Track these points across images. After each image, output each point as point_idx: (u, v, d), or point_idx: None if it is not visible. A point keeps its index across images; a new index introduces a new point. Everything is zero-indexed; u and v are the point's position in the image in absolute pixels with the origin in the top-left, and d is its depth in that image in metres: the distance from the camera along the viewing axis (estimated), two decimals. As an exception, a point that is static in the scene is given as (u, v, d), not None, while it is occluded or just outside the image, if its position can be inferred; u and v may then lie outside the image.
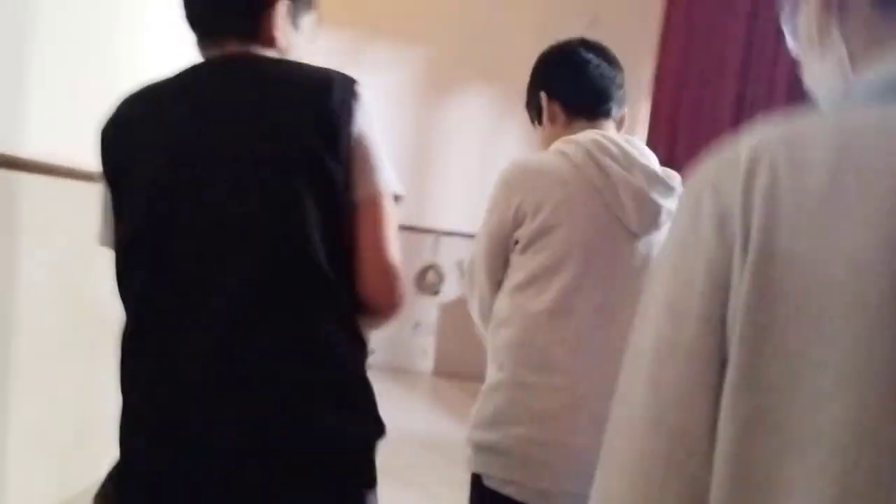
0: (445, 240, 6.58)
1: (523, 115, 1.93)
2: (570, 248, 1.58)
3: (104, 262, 3.62)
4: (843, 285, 0.58)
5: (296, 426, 1.16)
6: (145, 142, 1.23)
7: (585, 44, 1.79)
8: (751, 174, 0.63)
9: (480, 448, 1.61)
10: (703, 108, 5.00)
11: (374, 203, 1.23)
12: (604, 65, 1.76)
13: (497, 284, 1.70)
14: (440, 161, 6.88)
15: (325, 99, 1.19)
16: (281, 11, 1.26)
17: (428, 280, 6.64)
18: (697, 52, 4.64)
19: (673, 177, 1.65)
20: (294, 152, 1.17)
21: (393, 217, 1.26)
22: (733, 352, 0.62)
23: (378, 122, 1.24)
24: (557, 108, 1.78)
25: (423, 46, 6.67)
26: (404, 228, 5.54)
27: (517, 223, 1.63)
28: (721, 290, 0.63)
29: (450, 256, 6.55)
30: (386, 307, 1.26)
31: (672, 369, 0.65)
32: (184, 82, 1.26)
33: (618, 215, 1.61)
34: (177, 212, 1.19)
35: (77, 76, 2.97)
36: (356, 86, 1.23)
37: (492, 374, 1.66)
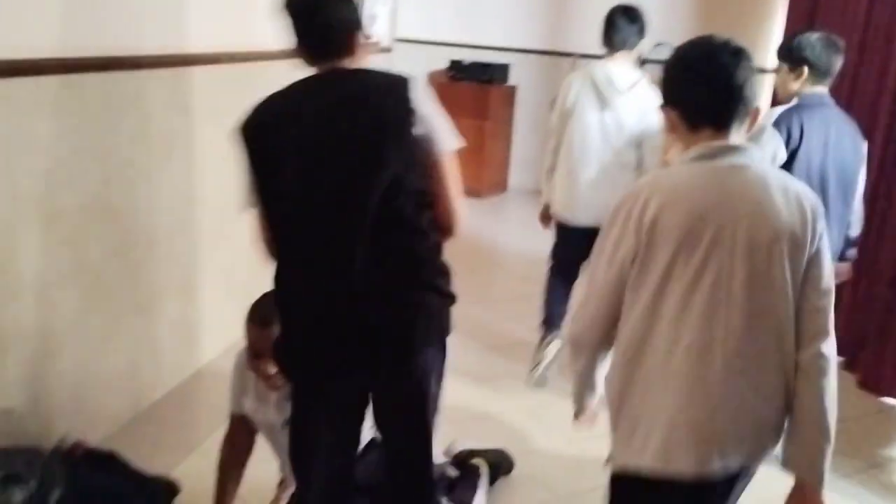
0: (582, 63, 6.72)
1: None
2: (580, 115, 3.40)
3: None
4: (674, 230, 1.56)
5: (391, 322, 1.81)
6: (276, 139, 1.78)
7: (618, 8, 3.33)
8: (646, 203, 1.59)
9: None
10: None
11: (440, 165, 1.79)
12: (622, 22, 3.29)
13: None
14: (578, -16, 6.88)
15: (396, 95, 1.73)
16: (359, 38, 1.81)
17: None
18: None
19: (632, 85, 3.34)
20: (381, 140, 1.71)
21: (453, 171, 1.82)
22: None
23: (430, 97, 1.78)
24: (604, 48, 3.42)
25: None
26: (544, 52, 5.75)
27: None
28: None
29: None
30: (449, 232, 1.86)
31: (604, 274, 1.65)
32: (306, 90, 1.79)
33: (597, 99, 3.38)
34: (299, 199, 1.76)
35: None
36: (409, 83, 1.74)
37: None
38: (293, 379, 1.95)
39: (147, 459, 2.55)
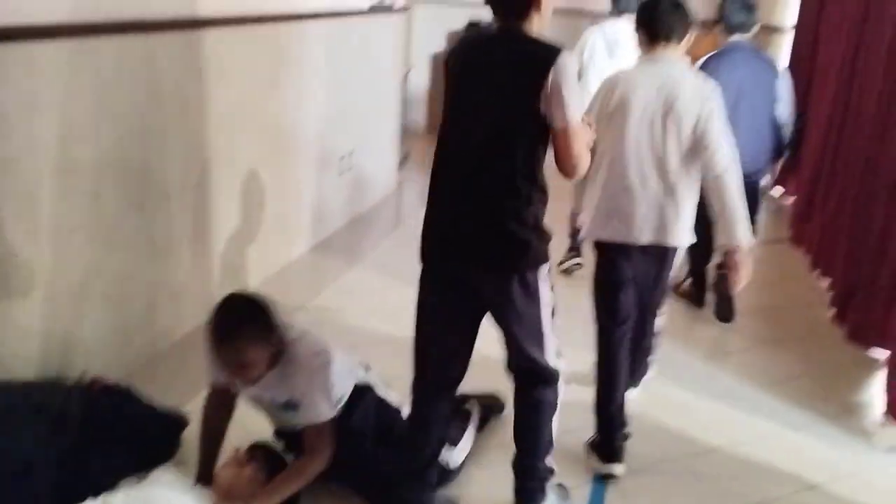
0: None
1: None
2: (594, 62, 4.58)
3: (278, 93, 4.43)
4: (624, 100, 2.70)
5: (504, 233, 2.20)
6: (461, 68, 2.26)
7: None
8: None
9: None
10: None
11: (564, 132, 2.13)
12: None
13: None
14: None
15: (539, 64, 2.10)
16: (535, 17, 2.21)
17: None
18: None
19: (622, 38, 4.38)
20: (519, 93, 2.13)
21: (578, 136, 2.16)
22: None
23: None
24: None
25: None
26: (563, 11, 5.88)
27: None
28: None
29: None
30: (569, 177, 2.25)
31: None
32: (483, 41, 2.31)
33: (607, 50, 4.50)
34: (461, 117, 2.23)
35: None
36: (559, 56, 2.09)
37: None
38: (425, 263, 2.33)
39: (162, 395, 2.78)
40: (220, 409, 2.51)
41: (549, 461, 2.49)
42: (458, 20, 7.35)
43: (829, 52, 5.23)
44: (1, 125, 2.40)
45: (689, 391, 3.39)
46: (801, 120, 5.80)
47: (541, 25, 2.21)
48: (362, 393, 2.56)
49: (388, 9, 5.38)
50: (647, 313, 2.98)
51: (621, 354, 2.85)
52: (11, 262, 2.51)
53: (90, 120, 2.75)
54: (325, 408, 2.35)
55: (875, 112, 3.96)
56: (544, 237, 2.27)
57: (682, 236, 2.79)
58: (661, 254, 2.82)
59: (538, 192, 2.22)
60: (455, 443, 2.71)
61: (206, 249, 3.60)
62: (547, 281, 2.31)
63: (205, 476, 2.40)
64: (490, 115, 2.16)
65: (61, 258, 2.71)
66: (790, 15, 6.60)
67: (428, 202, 2.32)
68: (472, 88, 2.21)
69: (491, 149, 2.16)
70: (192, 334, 3.50)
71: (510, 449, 2.48)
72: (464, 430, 2.79)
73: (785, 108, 3.99)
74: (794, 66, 6.49)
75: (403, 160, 6.48)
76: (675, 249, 2.84)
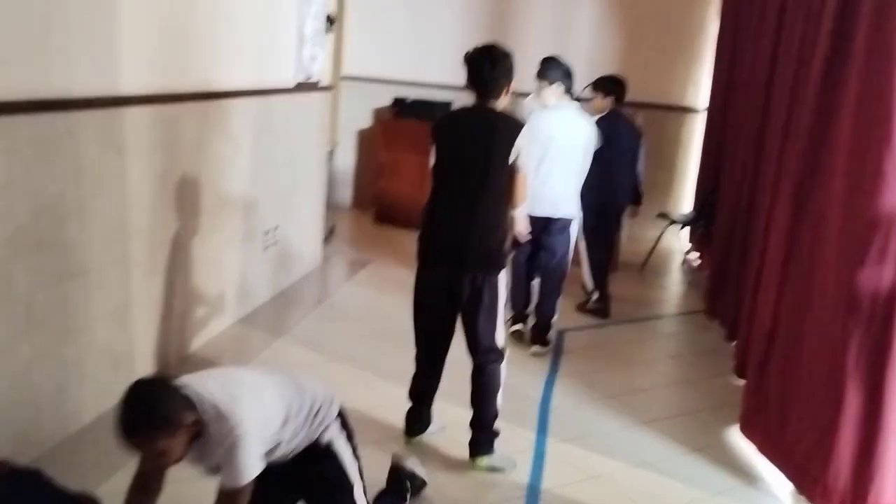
0: (519, 100, 7.02)
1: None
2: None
3: (201, 169, 4.37)
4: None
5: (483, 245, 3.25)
6: (451, 133, 3.30)
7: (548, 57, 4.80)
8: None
9: None
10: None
11: (516, 176, 3.25)
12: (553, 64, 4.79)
13: None
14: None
15: (512, 132, 3.21)
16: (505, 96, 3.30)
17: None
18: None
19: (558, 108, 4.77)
20: (498, 151, 3.20)
21: (522, 180, 3.27)
22: None
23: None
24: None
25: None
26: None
27: None
28: None
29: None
30: (513, 205, 3.38)
31: None
32: (468, 114, 3.33)
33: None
34: (455, 165, 3.25)
35: (162, 15, 3.56)
36: (524, 128, 3.23)
37: None
38: (423, 265, 3.33)
39: (74, 478, 2.67)
40: (144, 493, 2.41)
41: (497, 425, 3.31)
42: (382, 98, 7.50)
43: (736, 132, 5.50)
44: None
45: (614, 460, 3.42)
46: (714, 195, 6.08)
47: (504, 102, 3.28)
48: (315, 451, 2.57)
49: (313, 86, 5.46)
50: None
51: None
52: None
53: (3, 197, 2.70)
54: (238, 477, 2.28)
55: (771, 190, 4.15)
56: (505, 249, 3.34)
57: None
58: None
59: (506, 216, 3.31)
60: None
61: (124, 328, 3.51)
62: (504, 281, 3.28)
63: None
64: (482, 162, 3.18)
65: (-31, 337, 2.61)
66: (702, 97, 6.95)
67: (428, 223, 3.29)
68: (466, 144, 3.21)
69: (483, 185, 3.17)
70: (105, 415, 3.39)
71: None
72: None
73: (641, 164, 5.63)
74: (706, 144, 6.83)
75: (329, 235, 6.50)
76: None
